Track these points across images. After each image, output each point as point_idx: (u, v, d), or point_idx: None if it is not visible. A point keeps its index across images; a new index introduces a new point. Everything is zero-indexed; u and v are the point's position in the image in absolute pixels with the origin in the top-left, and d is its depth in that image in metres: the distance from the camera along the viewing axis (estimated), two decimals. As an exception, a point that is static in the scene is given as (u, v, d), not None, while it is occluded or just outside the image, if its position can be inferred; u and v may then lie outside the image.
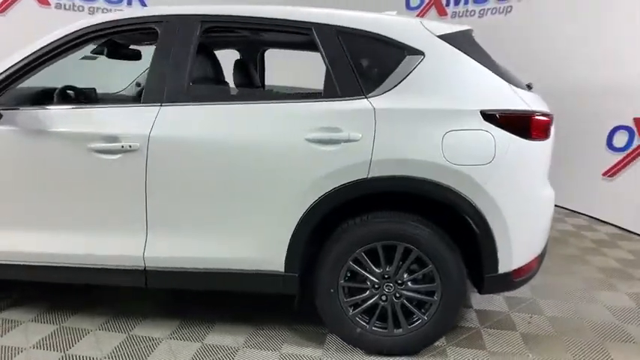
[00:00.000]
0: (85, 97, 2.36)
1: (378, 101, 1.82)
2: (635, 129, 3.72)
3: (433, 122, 1.78)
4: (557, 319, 2.34)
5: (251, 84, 2.65)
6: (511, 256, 1.85)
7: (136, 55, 2.81)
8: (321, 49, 1.90)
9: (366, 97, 1.84)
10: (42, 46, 1.96)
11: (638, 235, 3.73)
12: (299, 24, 1.94)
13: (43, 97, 2.24)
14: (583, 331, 2.24)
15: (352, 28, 1.91)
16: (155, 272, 1.98)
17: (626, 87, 3.74)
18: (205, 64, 2.16)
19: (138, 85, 3.24)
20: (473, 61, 1.88)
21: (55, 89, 2.29)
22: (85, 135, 1.88)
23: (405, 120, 1.79)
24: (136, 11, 2.07)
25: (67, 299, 2.39)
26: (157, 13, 1.99)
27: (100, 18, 2.01)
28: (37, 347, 1.99)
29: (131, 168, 1.88)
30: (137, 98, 3.06)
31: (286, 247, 1.89)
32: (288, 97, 2.01)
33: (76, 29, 1.97)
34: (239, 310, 2.33)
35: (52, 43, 1.96)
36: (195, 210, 1.91)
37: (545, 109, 1.93)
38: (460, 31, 1.96)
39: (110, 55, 2.59)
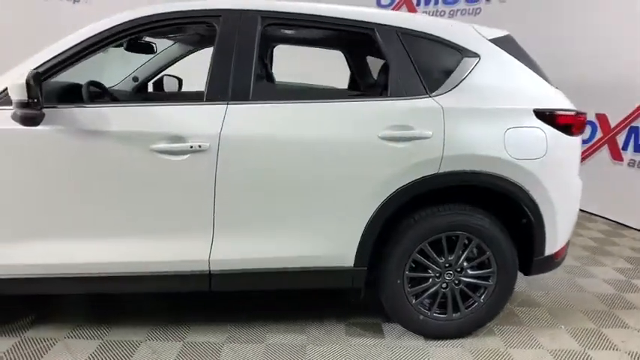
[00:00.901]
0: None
1: (444, 100, 1.92)
2: (597, 123, 4.21)
3: (495, 120, 1.93)
4: (566, 294, 2.64)
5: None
6: (555, 239, 2.07)
7: (151, 49, 2.66)
8: (384, 50, 1.96)
9: (430, 97, 1.93)
10: (88, 36, 1.80)
11: (601, 217, 4.24)
12: (361, 24, 1.97)
13: (70, 93, 2.06)
14: (592, 302, 2.56)
15: (412, 30, 1.99)
16: (220, 275, 1.92)
17: (586, 86, 4.22)
18: (265, 61, 2.11)
19: (135, 79, 3.06)
20: (519, 62, 2.06)
21: (79, 85, 2.11)
22: (147, 135, 1.76)
23: (470, 118, 1.91)
24: (191, 4, 1.95)
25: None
26: (215, 7, 1.90)
27: (151, 9, 1.87)
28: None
29: (200, 169, 1.80)
30: (134, 94, 2.91)
31: (357, 243, 1.94)
32: (353, 96, 2.04)
33: (127, 19, 1.83)
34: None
35: (101, 33, 1.81)
36: (266, 210, 1.88)
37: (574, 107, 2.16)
38: (505, 35, 2.12)
39: (129, 49, 2.44)
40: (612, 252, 3.36)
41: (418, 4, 5.87)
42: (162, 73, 3.08)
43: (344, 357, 1.96)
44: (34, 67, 1.76)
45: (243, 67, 1.86)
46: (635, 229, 3.90)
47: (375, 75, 2.49)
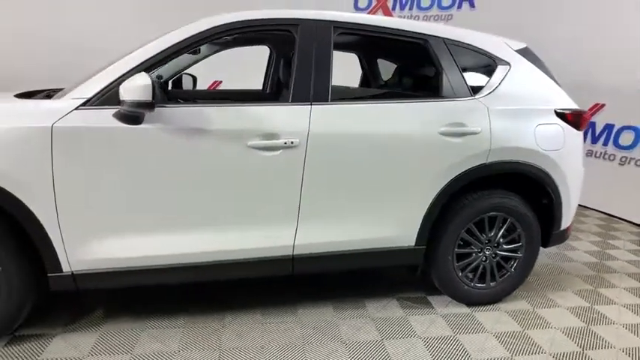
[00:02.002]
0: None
1: (486, 101, 2.27)
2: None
3: (528, 118, 2.31)
4: (560, 264, 3.14)
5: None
6: (568, 216, 2.51)
7: (196, 50, 2.76)
8: (436, 57, 2.27)
9: (475, 98, 2.27)
10: (179, 40, 1.91)
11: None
12: (417, 35, 2.26)
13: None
14: (582, 269, 3.07)
15: (457, 41, 2.32)
16: (302, 259, 2.13)
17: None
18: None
19: (159, 77, 3.12)
20: (538, 69, 2.47)
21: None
22: (244, 132, 1.92)
23: (509, 116, 2.28)
24: (272, 12, 2.10)
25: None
26: (293, 16, 2.09)
27: (237, 15, 2.02)
28: None
29: (290, 163, 1.99)
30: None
31: (419, 225, 2.24)
32: (412, 97, 2.32)
33: (217, 24, 1.97)
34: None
35: (193, 36, 1.93)
36: (344, 198, 2.11)
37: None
38: (525, 47, 2.52)
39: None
40: (582, 229, 3.97)
41: (394, 8, 6.29)
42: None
43: (408, 327, 2.25)
44: (128, 69, 1.85)
45: (322, 71, 2.07)
46: (595, 209, 4.56)
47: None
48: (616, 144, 4.22)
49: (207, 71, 5.10)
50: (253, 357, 1.94)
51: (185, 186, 1.91)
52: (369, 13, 6.33)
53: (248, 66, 3.75)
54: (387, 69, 3.26)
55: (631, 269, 3.10)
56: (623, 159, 4.17)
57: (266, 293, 2.50)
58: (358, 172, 2.10)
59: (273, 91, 3.40)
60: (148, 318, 2.21)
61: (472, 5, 5.69)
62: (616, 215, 4.33)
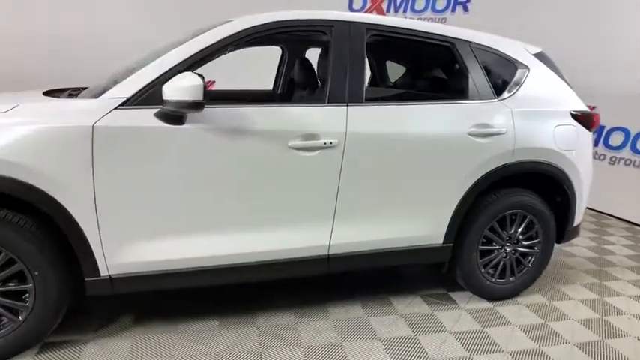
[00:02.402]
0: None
1: (509, 103, 2.36)
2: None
3: (547, 120, 2.41)
4: (564, 259, 3.29)
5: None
6: (580, 212, 2.64)
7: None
8: (462, 60, 2.34)
9: (498, 100, 2.36)
10: (217, 40, 1.91)
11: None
12: (443, 38, 2.32)
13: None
14: (586, 263, 3.23)
15: (481, 45, 2.40)
16: (337, 257, 2.15)
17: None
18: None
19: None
20: (553, 72, 2.58)
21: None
22: (285, 133, 1.93)
23: (531, 118, 2.37)
24: (309, 13, 2.11)
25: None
26: (328, 17, 2.11)
27: (274, 15, 2.02)
28: None
29: (328, 163, 2.01)
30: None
31: (447, 223, 2.30)
32: (441, 99, 2.38)
33: (256, 24, 1.97)
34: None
35: (230, 36, 1.93)
36: (379, 198, 2.15)
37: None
38: (541, 51, 2.63)
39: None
40: (577, 225, 4.15)
41: (388, 10, 6.38)
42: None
43: (437, 322, 2.31)
44: (166, 69, 1.82)
45: (357, 72, 2.10)
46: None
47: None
48: (606, 144, 4.43)
49: (200, 71, 5.04)
50: (297, 356, 1.96)
51: (225, 187, 1.90)
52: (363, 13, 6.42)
53: (240, 66, 3.79)
54: (397, 71, 3.33)
55: (629, 263, 3.28)
56: (613, 159, 4.39)
57: (293, 293, 2.50)
58: (391, 172, 2.14)
59: (286, 92, 3.40)
60: (179, 321, 2.19)
61: (465, 9, 5.84)
62: (605, 212, 4.55)
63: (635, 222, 4.24)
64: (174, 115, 1.76)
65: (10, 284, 1.76)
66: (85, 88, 2.29)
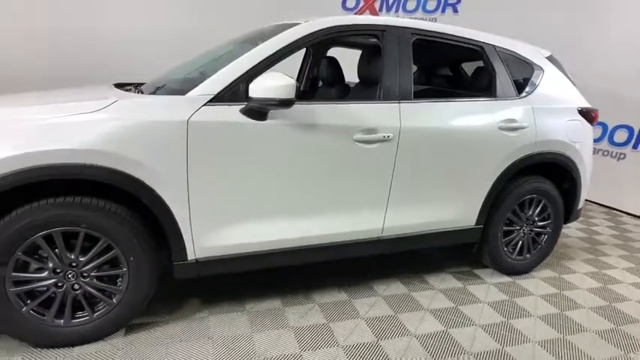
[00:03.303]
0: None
1: (529, 100, 2.67)
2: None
3: (560, 115, 2.75)
4: (559, 240, 3.69)
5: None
6: (583, 197, 3.02)
7: None
8: (490, 62, 2.63)
9: (519, 98, 2.67)
10: (292, 40, 2.08)
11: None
12: (474, 42, 2.61)
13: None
14: (579, 243, 3.64)
15: (505, 48, 2.70)
16: (388, 240, 2.40)
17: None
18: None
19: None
20: (561, 73, 2.92)
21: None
22: (351, 128, 2.14)
23: (548, 114, 2.70)
24: (366, 18, 2.31)
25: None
26: (381, 23, 2.33)
27: (336, 20, 2.21)
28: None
29: (384, 155, 2.24)
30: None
31: (480, 207, 2.60)
32: (473, 96, 2.65)
33: (321, 27, 2.15)
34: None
35: (303, 37, 2.10)
36: (425, 185, 2.41)
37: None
38: (551, 55, 2.96)
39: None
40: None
41: (380, 9, 6.65)
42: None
43: (472, 295, 2.61)
44: (248, 68, 1.98)
45: (406, 72, 2.34)
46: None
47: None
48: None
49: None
50: (361, 327, 2.18)
51: (299, 176, 2.09)
52: (356, 13, 6.64)
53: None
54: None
55: (615, 241, 3.73)
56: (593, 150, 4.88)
57: (341, 274, 2.72)
58: (436, 162, 2.40)
59: (309, 89, 3.59)
60: (246, 301, 2.36)
61: (455, 10, 6.20)
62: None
63: (613, 206, 4.76)
64: (260, 112, 1.93)
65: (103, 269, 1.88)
66: (140, 84, 2.42)
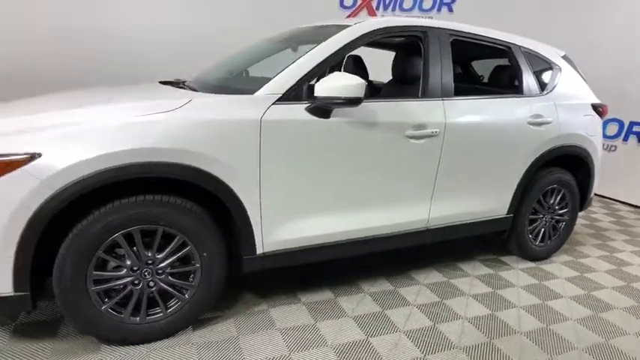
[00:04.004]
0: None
1: (551, 97, 2.86)
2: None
3: (578, 111, 2.96)
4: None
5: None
6: (594, 186, 3.24)
7: None
8: (517, 61, 2.80)
9: (543, 95, 2.85)
10: (347, 41, 2.16)
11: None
12: (503, 42, 2.76)
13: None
14: (584, 230, 3.90)
15: (528, 48, 2.87)
16: (433, 230, 2.52)
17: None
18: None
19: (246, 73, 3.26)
20: (575, 71, 3.13)
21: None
22: (404, 124, 2.24)
23: (568, 109, 2.89)
24: (409, 20, 2.40)
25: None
26: (424, 24, 2.44)
27: (387, 20, 2.33)
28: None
29: (431, 150, 2.36)
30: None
31: (511, 197, 2.76)
32: (504, 93, 2.80)
33: (372, 29, 2.25)
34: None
35: (357, 38, 2.19)
36: (465, 177, 2.55)
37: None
38: (565, 54, 3.16)
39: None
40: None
41: (377, 8, 6.78)
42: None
43: (504, 280, 2.77)
44: (309, 69, 2.05)
45: (447, 71, 2.46)
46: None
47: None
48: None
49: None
50: (412, 311, 2.30)
51: (359, 171, 2.18)
52: (354, 11, 6.75)
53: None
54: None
55: (616, 227, 4.02)
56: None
57: (378, 265, 2.83)
58: (475, 155, 2.55)
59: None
60: (300, 293, 2.43)
61: (450, 10, 6.41)
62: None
63: (606, 195, 5.08)
64: (325, 110, 2.00)
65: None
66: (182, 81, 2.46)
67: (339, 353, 1.94)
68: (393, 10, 6.71)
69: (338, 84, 1.92)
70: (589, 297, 2.62)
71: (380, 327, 2.16)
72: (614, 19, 4.93)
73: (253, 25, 5.32)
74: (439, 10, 6.47)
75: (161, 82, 2.48)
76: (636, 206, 4.78)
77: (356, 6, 6.73)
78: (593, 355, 2.07)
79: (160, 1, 5.20)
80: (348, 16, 6.61)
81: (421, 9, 6.57)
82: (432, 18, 6.45)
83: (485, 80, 3.33)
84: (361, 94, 1.94)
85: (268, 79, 2.04)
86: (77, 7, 4.73)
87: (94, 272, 1.75)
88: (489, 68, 3.20)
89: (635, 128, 4.77)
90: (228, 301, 2.29)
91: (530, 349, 2.07)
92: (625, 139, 4.86)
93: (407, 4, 6.59)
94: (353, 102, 1.95)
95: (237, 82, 2.55)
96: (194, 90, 2.19)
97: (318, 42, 2.19)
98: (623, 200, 4.91)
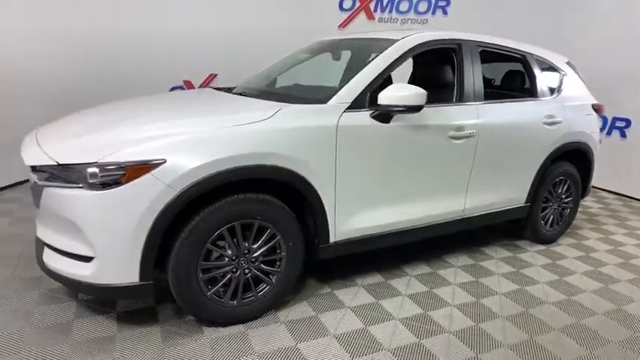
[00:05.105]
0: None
1: (560, 99, 3.26)
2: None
3: (581, 110, 3.38)
4: (565, 214, 4.40)
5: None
6: (593, 177, 3.69)
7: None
8: (531, 68, 3.19)
9: (553, 98, 3.25)
10: (400, 54, 2.47)
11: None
12: (519, 51, 3.14)
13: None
14: (580, 215, 4.37)
15: (539, 55, 3.27)
16: (468, 219, 2.88)
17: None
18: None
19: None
20: (577, 75, 3.55)
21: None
22: (447, 126, 2.58)
23: (574, 110, 3.31)
24: (447, 33, 2.74)
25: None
26: (458, 37, 2.78)
27: (431, 35, 2.65)
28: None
29: (468, 148, 2.71)
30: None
31: (529, 188, 3.16)
32: (522, 97, 3.18)
33: (419, 42, 2.57)
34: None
35: (408, 50, 2.51)
36: (494, 171, 2.92)
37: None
38: (568, 60, 3.58)
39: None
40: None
41: (375, 10, 7.09)
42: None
43: (523, 262, 3.17)
44: (370, 80, 2.35)
45: (478, 78, 2.82)
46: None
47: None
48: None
49: (202, 65, 5.34)
50: (460, 293, 2.65)
51: (413, 168, 2.51)
52: (352, 13, 7.05)
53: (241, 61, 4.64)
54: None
55: (606, 212, 4.52)
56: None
57: (417, 251, 3.17)
58: (501, 152, 2.92)
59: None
60: (358, 277, 2.74)
61: (445, 13, 6.80)
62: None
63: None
64: (387, 116, 2.31)
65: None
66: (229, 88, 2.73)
67: (405, 324, 2.26)
68: (390, 12, 7.02)
69: (401, 94, 2.23)
70: (597, 272, 3.05)
71: (432, 304, 2.49)
72: (601, 21, 5.42)
73: (253, 27, 5.55)
74: (434, 13, 6.84)
75: (215, 89, 2.72)
76: (620, 194, 5.31)
77: (354, 8, 7.03)
78: (611, 318, 2.48)
79: (169, 6, 5.33)
80: (347, 17, 6.90)
81: (417, 12, 6.91)
82: (427, 20, 6.83)
83: (497, 83, 3.72)
84: (423, 102, 2.26)
85: (333, 88, 2.34)
86: (95, 10, 4.81)
87: (203, 262, 2.01)
88: (496, 71, 3.58)
89: (618, 123, 5.30)
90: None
91: (558, 315, 2.46)
92: (608, 134, 5.39)
93: (403, 7, 6.93)
94: (414, 109, 2.26)
95: (301, 91, 2.81)
96: (255, 97, 2.47)
97: (367, 54, 2.52)
98: (607, 188, 5.44)
